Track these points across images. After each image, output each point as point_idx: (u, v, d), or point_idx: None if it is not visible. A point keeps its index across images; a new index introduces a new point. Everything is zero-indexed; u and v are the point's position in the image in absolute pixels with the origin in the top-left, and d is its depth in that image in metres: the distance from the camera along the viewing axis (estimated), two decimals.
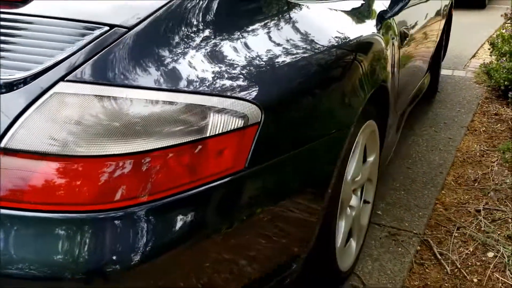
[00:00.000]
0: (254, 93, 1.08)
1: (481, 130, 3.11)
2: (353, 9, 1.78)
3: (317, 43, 1.35)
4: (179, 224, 0.99)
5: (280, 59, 1.20)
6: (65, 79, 0.98)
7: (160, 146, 0.97)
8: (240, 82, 1.08)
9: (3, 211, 0.92)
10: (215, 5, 1.22)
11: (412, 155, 2.75)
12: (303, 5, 1.47)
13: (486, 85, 3.91)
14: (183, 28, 1.14)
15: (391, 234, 2.03)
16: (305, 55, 1.27)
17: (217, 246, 1.05)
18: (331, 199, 1.37)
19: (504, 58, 3.61)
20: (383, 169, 2.32)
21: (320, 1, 1.61)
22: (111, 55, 1.04)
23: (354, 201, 1.70)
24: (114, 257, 0.93)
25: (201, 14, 1.19)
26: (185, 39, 1.12)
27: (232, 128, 1.03)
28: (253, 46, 1.18)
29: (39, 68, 0.99)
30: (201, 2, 1.20)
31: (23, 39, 1.10)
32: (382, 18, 1.90)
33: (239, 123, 1.04)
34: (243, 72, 1.11)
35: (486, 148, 2.82)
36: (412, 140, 2.96)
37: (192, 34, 1.13)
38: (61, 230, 0.93)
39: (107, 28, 1.08)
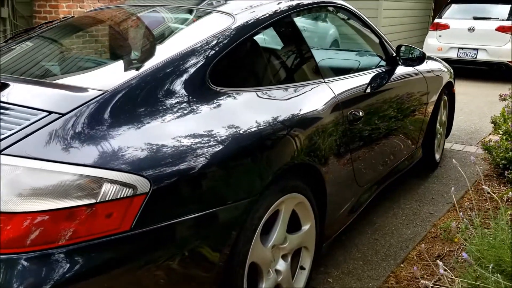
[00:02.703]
0: (145, 168, 1.37)
1: (467, 207, 3.16)
2: (296, 96, 2.05)
3: (220, 126, 1.62)
4: (71, 267, 1.27)
5: (174, 140, 1.49)
6: (1, 153, 1.32)
7: (60, 207, 1.27)
8: (134, 158, 1.38)
9: None
10: (134, 97, 1.55)
11: (386, 227, 2.87)
12: (231, 93, 1.77)
13: (489, 163, 3.95)
14: (101, 116, 1.47)
15: None
16: (206, 137, 1.55)
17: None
18: (230, 263, 1.59)
19: (504, 137, 3.67)
20: (346, 237, 2.47)
21: (250, 89, 1.90)
22: (42, 134, 1.38)
23: (281, 266, 1.89)
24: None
25: (117, 106, 1.52)
26: (101, 125, 1.44)
27: (120, 196, 1.31)
28: (154, 131, 1.49)
29: None
30: (119, 99, 1.54)
31: None
32: (326, 103, 2.15)
33: (127, 192, 1.32)
34: (139, 151, 1.41)
35: (463, 226, 2.88)
36: (392, 213, 3.08)
37: (106, 122, 1.46)
38: None
39: (46, 113, 1.44)
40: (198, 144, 1.52)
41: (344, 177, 2.30)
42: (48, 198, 1.26)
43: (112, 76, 1.69)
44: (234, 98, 1.78)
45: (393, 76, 2.90)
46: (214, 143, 1.56)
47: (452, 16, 8.76)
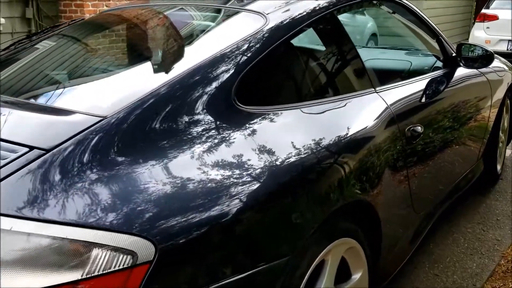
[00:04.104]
0: (148, 225, 1.01)
1: None
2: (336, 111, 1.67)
3: (252, 160, 1.26)
4: None
5: (189, 183, 1.12)
6: None
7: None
8: (133, 212, 1.02)
9: None
10: (137, 126, 1.20)
11: (446, 259, 2.44)
12: (263, 114, 1.41)
13: None
14: (95, 153, 1.13)
15: None
16: (234, 176, 1.19)
17: None
18: None
19: None
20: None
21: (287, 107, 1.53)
22: (17, 179, 1.05)
23: None
24: None
25: (117, 139, 1.17)
26: (93, 166, 1.10)
27: (114, 269, 0.97)
28: (161, 172, 1.13)
29: None
30: (120, 128, 1.19)
31: None
32: (379, 118, 1.76)
33: (123, 262, 0.97)
34: (141, 201, 1.05)
35: None
36: (452, 239, 2.64)
37: (100, 161, 1.11)
38: None
39: (26, 149, 1.11)
40: (223, 187, 1.15)
41: (400, 207, 1.90)
42: (17, 272, 0.93)
43: (115, 95, 1.35)
44: (269, 120, 1.41)
45: (454, 80, 2.47)
46: (245, 184, 1.19)
47: (501, 6, 8.10)
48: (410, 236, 2.06)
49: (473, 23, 9.31)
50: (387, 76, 2.45)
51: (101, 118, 1.20)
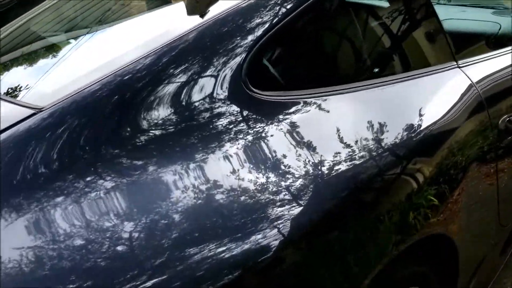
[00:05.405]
0: None
1: None
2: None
3: (285, 174, 0.82)
4: None
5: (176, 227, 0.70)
6: None
7: None
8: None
9: None
10: (78, 129, 0.78)
11: None
12: (289, 102, 0.94)
13: None
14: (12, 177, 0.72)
15: None
16: (259, 203, 0.77)
17: None
18: None
19: None
20: None
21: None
22: None
23: None
24: None
25: (59, 145, 0.76)
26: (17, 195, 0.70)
27: None
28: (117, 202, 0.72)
29: None
30: (63, 127, 0.77)
31: None
32: (463, 103, 1.25)
33: None
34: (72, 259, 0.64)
35: None
36: None
37: (16, 189, 0.71)
38: None
39: None
40: (238, 225, 0.74)
41: (484, 225, 1.41)
42: None
43: (68, 76, 0.92)
44: (298, 112, 0.95)
45: None
46: (276, 216, 0.77)
47: None
48: (498, 251, 1.56)
49: None
50: (470, 44, 1.89)
51: (34, 111, 0.79)
